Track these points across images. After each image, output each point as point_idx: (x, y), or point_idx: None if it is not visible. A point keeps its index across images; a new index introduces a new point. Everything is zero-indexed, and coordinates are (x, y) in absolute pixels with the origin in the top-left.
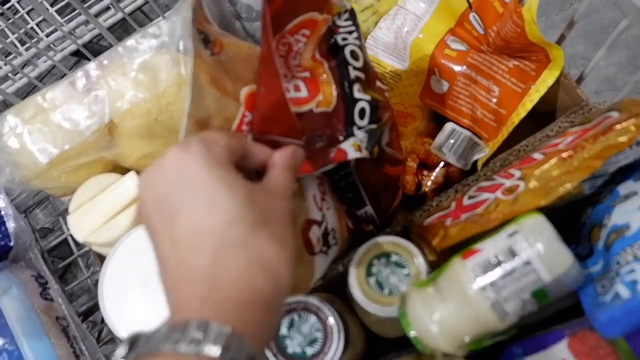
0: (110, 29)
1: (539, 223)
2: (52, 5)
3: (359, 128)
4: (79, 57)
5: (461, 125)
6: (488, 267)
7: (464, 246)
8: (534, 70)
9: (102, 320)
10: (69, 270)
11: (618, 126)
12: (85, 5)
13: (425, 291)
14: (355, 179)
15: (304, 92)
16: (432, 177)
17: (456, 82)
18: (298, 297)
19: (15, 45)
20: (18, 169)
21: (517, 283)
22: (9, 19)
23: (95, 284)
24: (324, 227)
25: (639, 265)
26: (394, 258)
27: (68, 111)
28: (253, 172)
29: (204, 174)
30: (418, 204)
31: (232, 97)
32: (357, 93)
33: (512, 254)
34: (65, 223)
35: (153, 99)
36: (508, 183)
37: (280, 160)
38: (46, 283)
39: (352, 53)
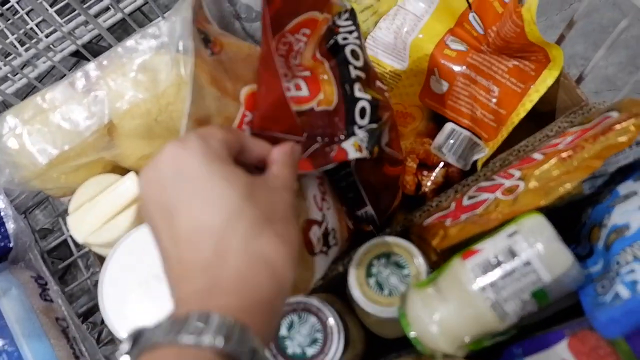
0: (110, 29)
1: (539, 223)
2: (51, 5)
3: (360, 127)
4: (79, 57)
5: (461, 126)
6: (488, 267)
7: (463, 246)
8: (534, 70)
9: (102, 321)
10: (69, 271)
11: (618, 126)
12: (84, 6)
13: (425, 291)
14: (356, 179)
15: (305, 91)
16: (432, 178)
17: (456, 82)
18: (298, 297)
19: (15, 46)
20: (17, 169)
21: (517, 283)
22: (9, 19)
23: (95, 284)
24: (324, 227)
25: (638, 265)
26: (393, 258)
27: (67, 112)
28: (252, 168)
29: (202, 168)
30: (418, 204)
31: (232, 96)
32: (358, 92)
33: (512, 254)
34: (65, 224)
35: (153, 100)
36: (508, 183)
37: (279, 157)
38: (46, 284)
39: (353, 52)
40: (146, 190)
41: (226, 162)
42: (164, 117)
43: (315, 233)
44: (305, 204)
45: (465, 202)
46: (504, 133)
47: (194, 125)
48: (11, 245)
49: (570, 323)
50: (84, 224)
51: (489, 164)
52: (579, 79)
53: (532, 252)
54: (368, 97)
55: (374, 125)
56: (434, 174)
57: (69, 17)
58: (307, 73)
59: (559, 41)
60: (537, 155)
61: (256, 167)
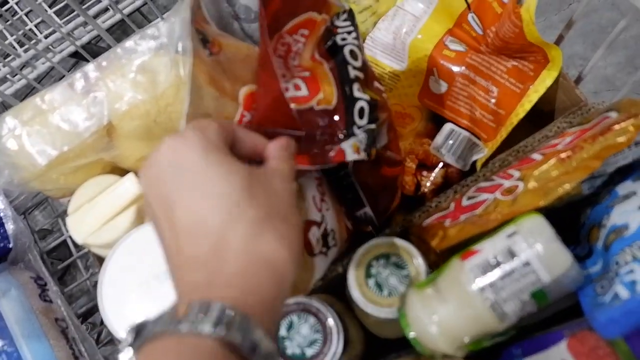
0: (109, 30)
1: (538, 224)
2: (50, 6)
3: (359, 127)
4: (78, 58)
5: (460, 126)
6: (487, 267)
7: (463, 247)
8: (533, 70)
9: (102, 322)
10: (68, 271)
11: (617, 126)
12: (83, 7)
13: (424, 292)
14: (353, 180)
15: (304, 91)
16: (431, 178)
17: (455, 83)
18: (297, 298)
19: (14, 47)
20: (17, 170)
21: (516, 284)
22: (7, 20)
23: (95, 285)
24: (323, 228)
25: (638, 266)
26: (393, 259)
27: (67, 113)
28: (245, 161)
29: (201, 160)
30: (417, 204)
31: (231, 97)
32: (357, 92)
33: (511, 254)
34: (64, 224)
35: (152, 101)
36: (507, 184)
37: (276, 152)
38: (45, 285)
39: (352, 52)
40: (146, 184)
41: (223, 151)
42: (163, 118)
43: (315, 234)
44: (304, 205)
45: (465, 202)
46: (503, 133)
47: None
48: (10, 246)
49: (570, 323)
50: (84, 224)
51: (488, 164)
52: (578, 79)
53: (531, 252)
54: (366, 97)
55: (372, 126)
56: (433, 174)
57: (68, 18)
58: (306, 73)
59: (558, 41)
60: (536, 156)
61: (249, 161)
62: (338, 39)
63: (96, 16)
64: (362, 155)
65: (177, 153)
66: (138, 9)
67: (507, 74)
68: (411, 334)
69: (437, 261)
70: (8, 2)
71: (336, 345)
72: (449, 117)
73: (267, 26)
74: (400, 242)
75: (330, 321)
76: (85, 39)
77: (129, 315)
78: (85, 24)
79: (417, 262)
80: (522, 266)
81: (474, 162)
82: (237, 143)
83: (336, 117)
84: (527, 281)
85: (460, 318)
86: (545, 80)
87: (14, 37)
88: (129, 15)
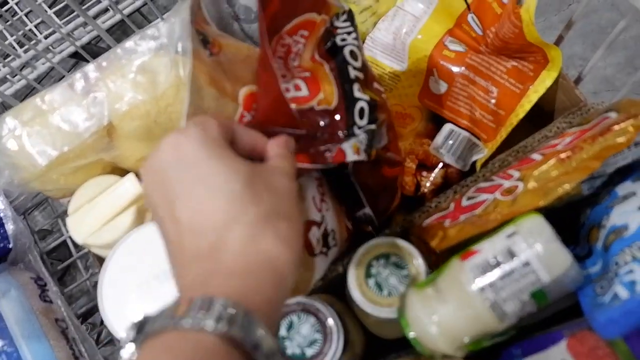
0: (109, 30)
1: (538, 224)
2: (50, 7)
3: (359, 128)
4: (78, 59)
5: (460, 126)
6: (487, 268)
7: (462, 247)
8: (532, 71)
9: (102, 322)
10: (68, 272)
11: (616, 127)
12: (83, 7)
13: (424, 292)
14: (353, 181)
15: (304, 91)
16: (431, 178)
17: (455, 83)
18: (298, 298)
19: (14, 47)
20: (17, 171)
21: (516, 284)
22: (7, 20)
23: (95, 285)
24: (323, 228)
25: (637, 266)
26: (393, 259)
27: (67, 113)
28: (244, 158)
29: (202, 155)
30: (417, 204)
31: (231, 97)
32: (357, 92)
33: (511, 254)
34: (64, 225)
35: (152, 101)
36: (507, 184)
37: (276, 150)
38: (45, 285)
39: (352, 53)
40: (149, 180)
41: (224, 146)
42: (163, 118)
43: (315, 234)
44: (305, 205)
45: (465, 202)
46: (503, 134)
47: None
48: (10, 246)
49: (569, 324)
50: (84, 225)
51: (488, 164)
52: (578, 80)
53: (531, 252)
54: (367, 97)
55: (372, 126)
56: (433, 174)
57: (67, 18)
58: (306, 74)
59: (558, 42)
60: (536, 156)
61: (249, 159)
62: (338, 39)
63: (96, 17)
64: (362, 156)
65: (179, 148)
66: (138, 10)
67: (506, 74)
68: (411, 334)
69: (437, 261)
70: (8, 3)
71: (336, 345)
72: (449, 117)
73: (266, 27)
74: (400, 242)
75: (330, 321)
76: (85, 40)
77: (129, 316)
78: (85, 24)
79: (417, 262)
80: (521, 266)
81: (474, 163)
82: (236, 140)
83: (337, 117)
84: (527, 281)
85: (460, 318)
86: (545, 81)
87: (14, 37)
88: (129, 15)
